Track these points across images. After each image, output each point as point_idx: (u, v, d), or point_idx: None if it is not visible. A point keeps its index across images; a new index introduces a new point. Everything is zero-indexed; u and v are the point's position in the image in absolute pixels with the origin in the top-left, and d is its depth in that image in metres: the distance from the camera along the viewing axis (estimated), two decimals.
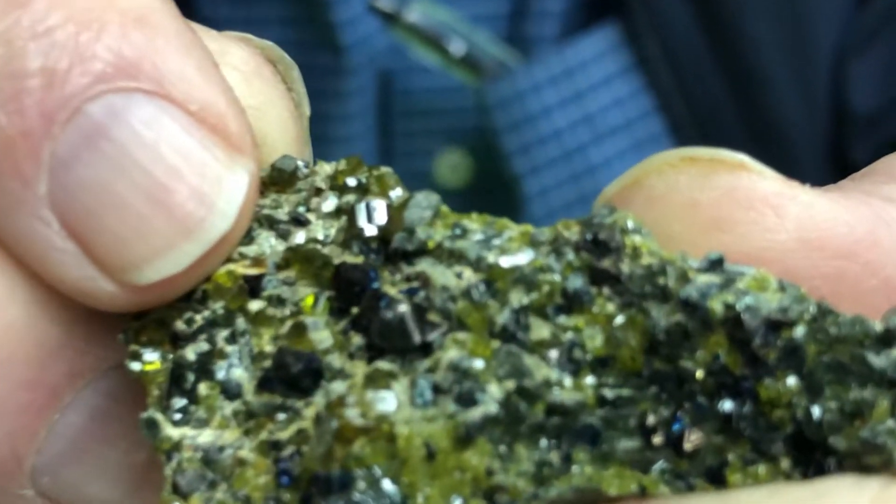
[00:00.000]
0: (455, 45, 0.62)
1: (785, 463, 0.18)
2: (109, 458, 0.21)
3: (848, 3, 0.58)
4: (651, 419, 0.18)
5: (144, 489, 0.21)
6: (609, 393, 0.18)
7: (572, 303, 0.18)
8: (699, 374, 0.18)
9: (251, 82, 0.21)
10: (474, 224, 0.19)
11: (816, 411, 0.18)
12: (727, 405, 0.18)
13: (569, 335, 0.18)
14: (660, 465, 0.18)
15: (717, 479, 0.18)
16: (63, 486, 0.21)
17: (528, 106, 0.61)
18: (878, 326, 0.17)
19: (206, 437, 0.19)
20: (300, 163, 0.20)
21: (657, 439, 0.18)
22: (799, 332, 0.18)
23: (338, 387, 0.18)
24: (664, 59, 0.60)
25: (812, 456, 0.18)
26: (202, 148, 0.19)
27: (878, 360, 0.17)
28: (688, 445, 0.18)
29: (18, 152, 0.18)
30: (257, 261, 0.19)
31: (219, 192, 0.19)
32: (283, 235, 0.20)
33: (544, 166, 0.61)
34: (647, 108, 0.61)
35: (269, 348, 0.19)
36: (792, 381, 0.18)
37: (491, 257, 0.18)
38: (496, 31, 0.63)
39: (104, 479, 0.21)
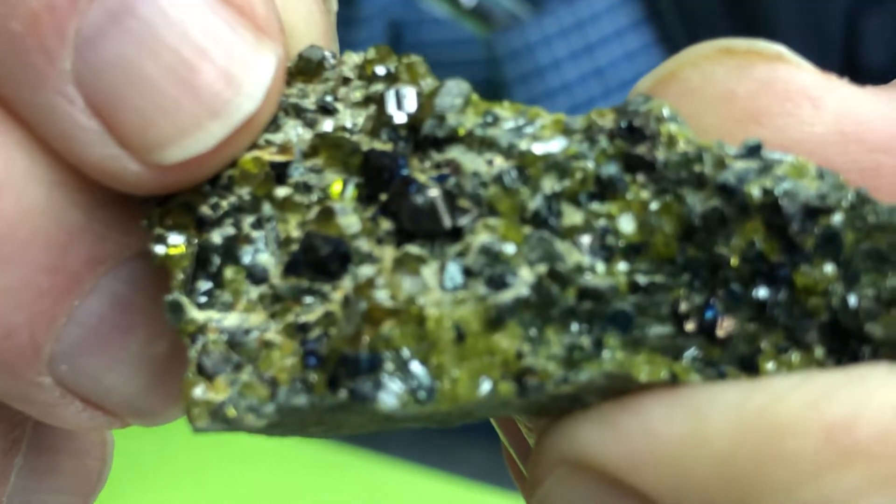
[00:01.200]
0: None
1: (819, 351, 0.18)
2: (130, 348, 0.21)
3: None
4: (684, 306, 0.18)
5: (165, 381, 0.22)
6: (642, 279, 0.18)
7: (606, 189, 0.18)
8: (734, 260, 0.18)
9: None
10: (506, 112, 0.19)
11: (853, 299, 0.18)
12: (762, 292, 0.18)
13: (601, 221, 0.18)
14: (691, 352, 0.18)
15: (749, 367, 0.18)
16: (81, 376, 0.21)
17: (538, 58, 0.62)
18: None
19: (231, 319, 0.19)
20: (327, 53, 0.20)
21: (689, 326, 0.18)
22: (837, 219, 0.18)
23: (366, 270, 0.18)
24: (676, 12, 0.60)
25: (847, 344, 0.18)
26: (229, 29, 0.19)
27: None
28: (720, 333, 0.18)
29: (43, 27, 0.18)
30: (284, 148, 0.19)
31: (246, 73, 0.19)
32: (310, 124, 0.20)
33: None
34: (658, 62, 0.61)
35: (295, 234, 0.19)
36: (829, 268, 0.18)
37: (523, 144, 0.19)
38: None
39: (123, 370, 0.21)
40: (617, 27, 0.62)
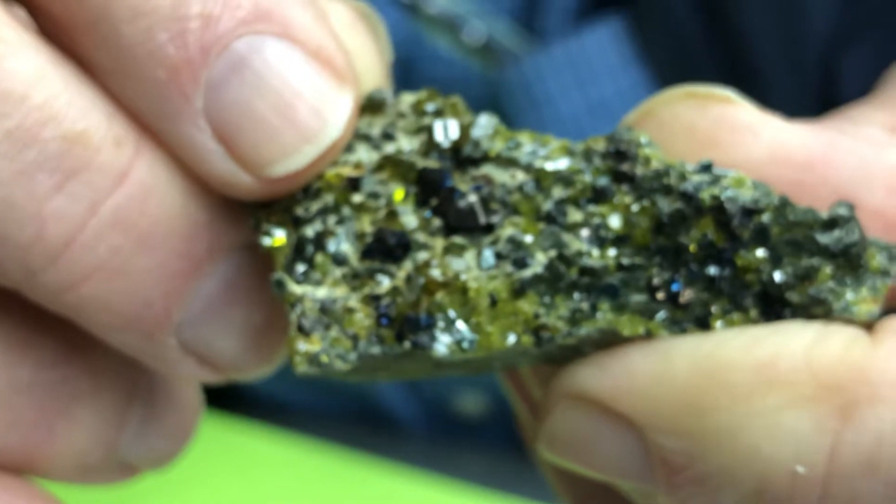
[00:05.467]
0: (472, 35, 0.65)
1: (753, 313, 0.23)
2: (235, 319, 0.26)
3: None
4: (656, 280, 0.23)
5: (260, 345, 0.26)
6: (625, 261, 0.24)
7: (599, 196, 0.24)
8: (692, 247, 0.23)
9: (349, 32, 0.26)
10: (525, 139, 0.25)
11: (777, 275, 0.23)
12: (712, 270, 0.23)
13: (596, 219, 0.24)
14: (661, 314, 0.23)
15: (703, 324, 0.23)
16: (198, 340, 0.25)
17: (534, 93, 0.63)
18: (824, 215, 0.23)
19: (321, 292, 0.24)
20: (387, 94, 0.25)
21: (660, 295, 0.23)
22: (766, 217, 0.23)
23: (422, 255, 0.24)
24: (666, 51, 0.62)
25: (773, 308, 0.23)
26: (318, 76, 0.24)
27: (823, 238, 0.23)
28: (682, 300, 0.23)
29: (182, 76, 0.23)
30: (357, 165, 0.25)
31: (330, 109, 0.24)
32: (377, 147, 0.25)
33: None
34: (648, 96, 0.63)
35: (368, 229, 0.24)
36: (760, 252, 0.23)
37: (538, 163, 0.24)
38: (510, 22, 0.66)
39: (230, 336, 0.26)
40: (609, 65, 0.63)
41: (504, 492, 0.64)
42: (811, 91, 0.61)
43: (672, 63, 0.62)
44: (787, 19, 0.60)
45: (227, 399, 0.73)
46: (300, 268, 0.24)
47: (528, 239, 0.24)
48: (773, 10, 0.60)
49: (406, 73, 0.67)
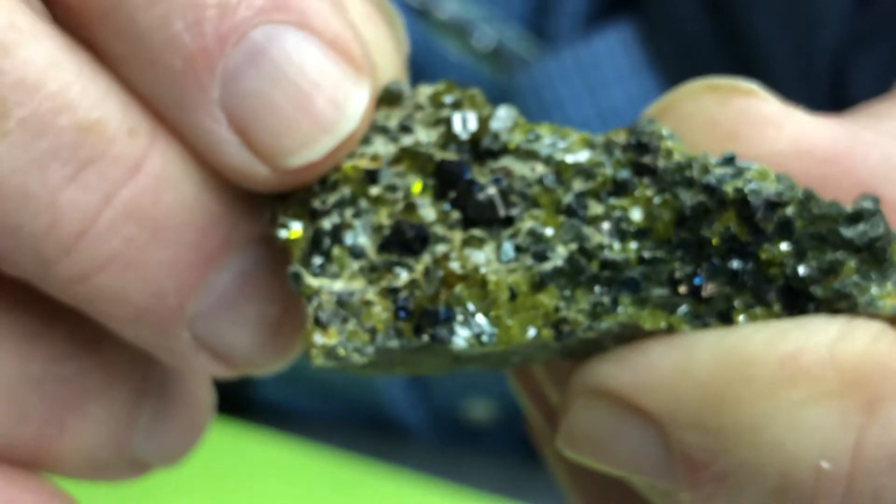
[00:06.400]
0: (482, 40, 0.65)
1: (777, 307, 0.23)
2: (249, 312, 0.25)
3: (851, 2, 0.59)
4: (678, 274, 0.23)
5: (274, 339, 0.26)
6: (647, 254, 0.23)
7: (620, 189, 0.24)
8: (715, 240, 0.23)
9: (366, 23, 0.25)
10: (545, 131, 0.25)
11: (801, 269, 0.23)
12: (735, 264, 0.23)
13: (617, 212, 0.24)
14: (683, 308, 0.23)
15: (725, 319, 0.23)
16: (211, 333, 0.25)
17: (543, 98, 0.64)
18: (849, 208, 0.23)
19: (338, 285, 0.24)
20: (405, 86, 0.25)
21: (682, 289, 0.23)
22: (790, 210, 0.23)
23: (441, 248, 0.24)
24: (675, 57, 0.62)
25: (797, 302, 0.23)
26: (335, 67, 0.23)
27: (848, 232, 0.23)
28: (705, 294, 0.23)
29: (198, 65, 0.23)
30: (374, 158, 0.25)
31: (347, 100, 0.24)
32: (394, 139, 0.25)
33: None
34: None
35: (386, 222, 0.24)
36: (784, 246, 0.23)
37: (558, 155, 0.24)
38: (519, 28, 0.66)
39: (243, 329, 0.26)
40: (618, 72, 0.64)
41: (512, 499, 0.64)
42: (822, 96, 0.61)
43: (682, 69, 0.62)
44: (798, 24, 0.61)
45: (236, 405, 0.73)
46: (317, 260, 0.24)
47: (549, 232, 0.24)
48: (783, 15, 0.61)
49: (416, 77, 0.67)
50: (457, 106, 0.25)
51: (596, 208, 0.24)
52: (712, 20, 0.62)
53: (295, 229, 0.24)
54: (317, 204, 0.25)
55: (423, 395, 0.73)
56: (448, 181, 0.24)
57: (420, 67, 0.67)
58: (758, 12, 0.60)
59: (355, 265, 0.24)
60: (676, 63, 0.63)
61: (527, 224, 0.24)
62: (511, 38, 0.66)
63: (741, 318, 0.23)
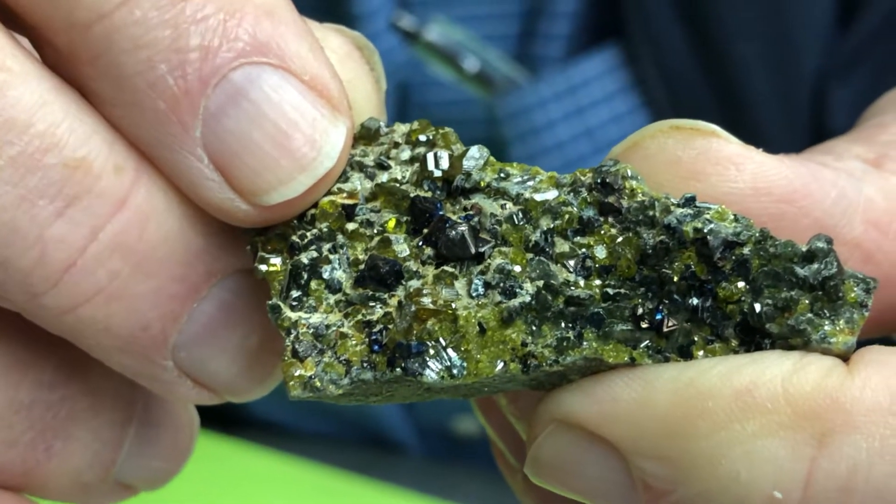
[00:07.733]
0: (469, 62, 0.66)
1: (734, 342, 0.24)
2: (229, 342, 0.26)
3: (830, 29, 0.60)
4: (640, 310, 0.24)
5: (254, 368, 0.27)
6: (611, 291, 0.24)
7: (585, 227, 0.25)
8: (675, 278, 0.24)
9: (344, 62, 0.26)
10: (514, 170, 0.25)
11: (757, 306, 0.24)
12: (695, 301, 0.24)
13: (582, 250, 0.25)
14: (645, 343, 0.24)
15: (685, 354, 0.24)
16: (193, 362, 0.26)
17: (535, 119, 0.65)
18: (803, 248, 0.24)
19: (315, 318, 0.25)
20: (382, 123, 0.26)
21: (644, 325, 0.24)
22: (747, 250, 0.24)
23: (414, 283, 0.25)
24: (659, 79, 0.63)
25: (753, 338, 0.24)
26: (313, 107, 0.24)
27: (802, 271, 0.24)
28: (666, 329, 0.24)
29: (181, 106, 0.24)
30: (351, 194, 0.26)
31: (325, 139, 0.24)
32: (371, 176, 0.26)
33: None
34: (643, 123, 0.64)
35: (361, 256, 0.25)
36: (741, 284, 0.24)
37: (527, 193, 0.25)
38: (506, 51, 0.67)
39: (224, 358, 0.26)
40: (606, 92, 0.65)
41: None
42: (801, 121, 0.62)
43: (665, 93, 0.63)
44: (778, 52, 0.62)
45: (229, 421, 0.73)
46: (295, 294, 0.25)
47: (517, 268, 0.24)
48: (763, 41, 0.62)
49: (405, 96, 0.69)
50: (431, 144, 0.26)
51: (562, 246, 0.25)
52: (694, 47, 0.62)
53: (274, 263, 0.25)
54: (295, 238, 0.25)
55: (413, 410, 0.74)
56: (422, 218, 0.25)
57: (409, 87, 0.68)
58: (739, 39, 0.61)
59: (332, 299, 0.25)
60: (659, 87, 0.63)
61: (496, 261, 0.24)
62: (498, 60, 0.67)
63: (700, 352, 0.24)
